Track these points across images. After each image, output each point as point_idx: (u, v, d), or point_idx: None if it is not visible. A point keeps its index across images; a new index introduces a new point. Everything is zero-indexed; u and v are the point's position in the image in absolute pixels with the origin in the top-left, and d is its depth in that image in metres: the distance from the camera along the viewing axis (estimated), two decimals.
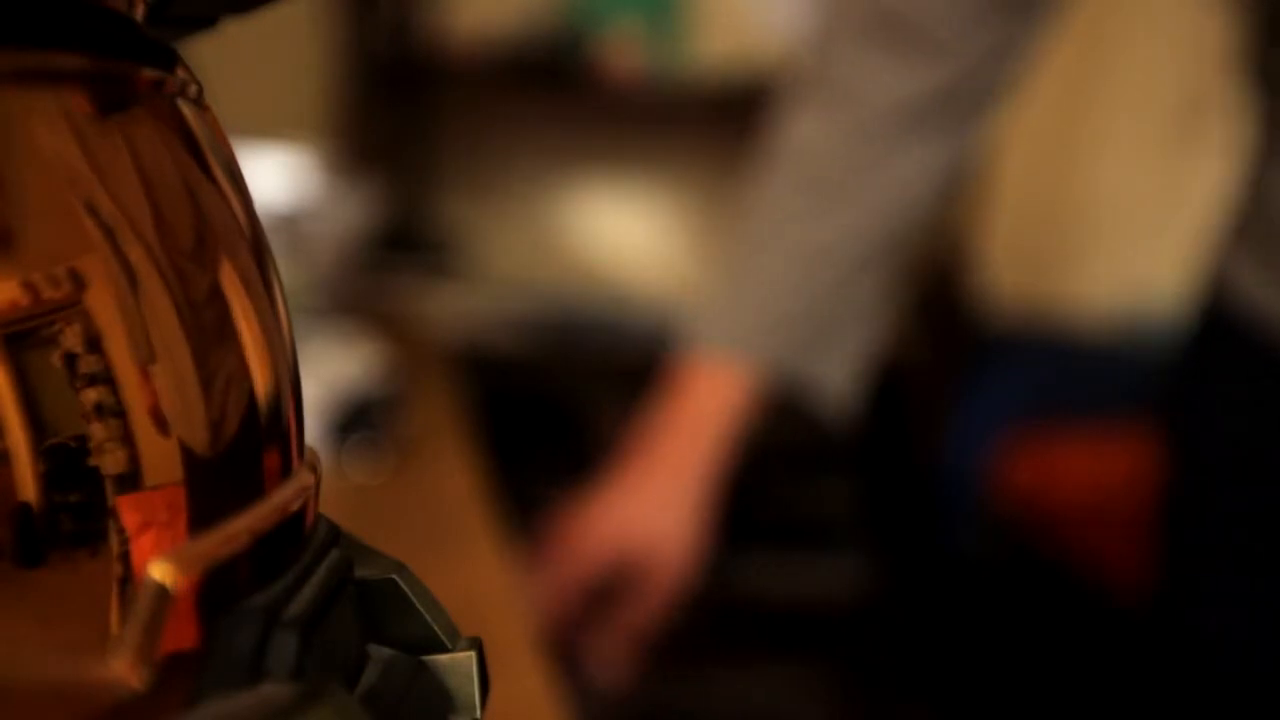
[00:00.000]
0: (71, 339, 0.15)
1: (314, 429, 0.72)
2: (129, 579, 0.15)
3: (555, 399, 2.14)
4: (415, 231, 2.03)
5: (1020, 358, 2.07)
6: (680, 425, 0.70)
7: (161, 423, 0.16)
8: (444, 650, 0.21)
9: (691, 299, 0.69)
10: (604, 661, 0.71)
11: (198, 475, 0.16)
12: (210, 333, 0.17)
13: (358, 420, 0.74)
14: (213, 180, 0.19)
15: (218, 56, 0.44)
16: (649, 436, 0.71)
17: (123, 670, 0.15)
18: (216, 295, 0.17)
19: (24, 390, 0.14)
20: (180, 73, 0.19)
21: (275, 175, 1.14)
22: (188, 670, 0.16)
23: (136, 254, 0.16)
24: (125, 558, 0.15)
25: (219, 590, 0.16)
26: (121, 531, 0.15)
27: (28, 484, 0.14)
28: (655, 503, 0.69)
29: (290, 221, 1.06)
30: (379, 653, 0.20)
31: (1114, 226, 2.17)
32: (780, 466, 2.17)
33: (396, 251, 1.83)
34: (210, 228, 0.18)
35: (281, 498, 0.19)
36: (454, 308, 1.95)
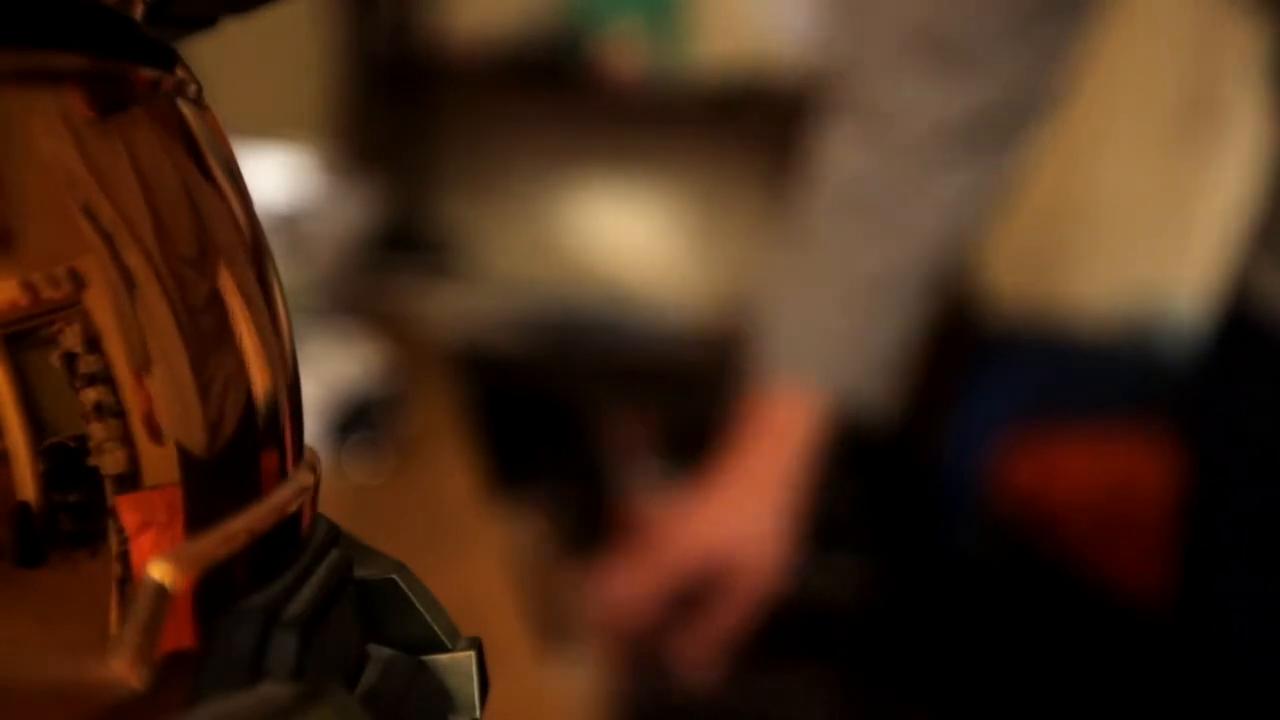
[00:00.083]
0: (71, 339, 0.15)
1: (314, 429, 0.72)
2: (128, 579, 0.15)
3: (555, 399, 2.14)
4: (415, 231, 2.03)
5: (1020, 358, 2.07)
6: (762, 446, 0.73)
7: (161, 423, 0.16)
8: (444, 650, 0.21)
9: (756, 328, 0.75)
10: (687, 662, 0.74)
11: (197, 475, 0.16)
12: (210, 333, 0.17)
13: (358, 420, 0.74)
14: (213, 180, 0.19)
15: (218, 56, 0.44)
16: (733, 455, 0.74)
17: (122, 670, 0.15)
18: (216, 296, 0.17)
19: (23, 390, 0.14)
20: (180, 73, 0.19)
21: (275, 175, 1.14)
22: (187, 670, 0.16)
23: (136, 254, 0.16)
24: (124, 557, 0.15)
25: (218, 590, 0.16)
26: (121, 531, 0.15)
27: (27, 484, 0.14)
28: (743, 514, 0.73)
29: (290, 221, 1.06)
30: (379, 653, 0.20)
31: (1114, 227, 2.18)
32: None
33: (396, 251, 1.83)
34: (210, 228, 0.18)
35: (281, 497, 0.19)
36: (454, 308, 1.95)
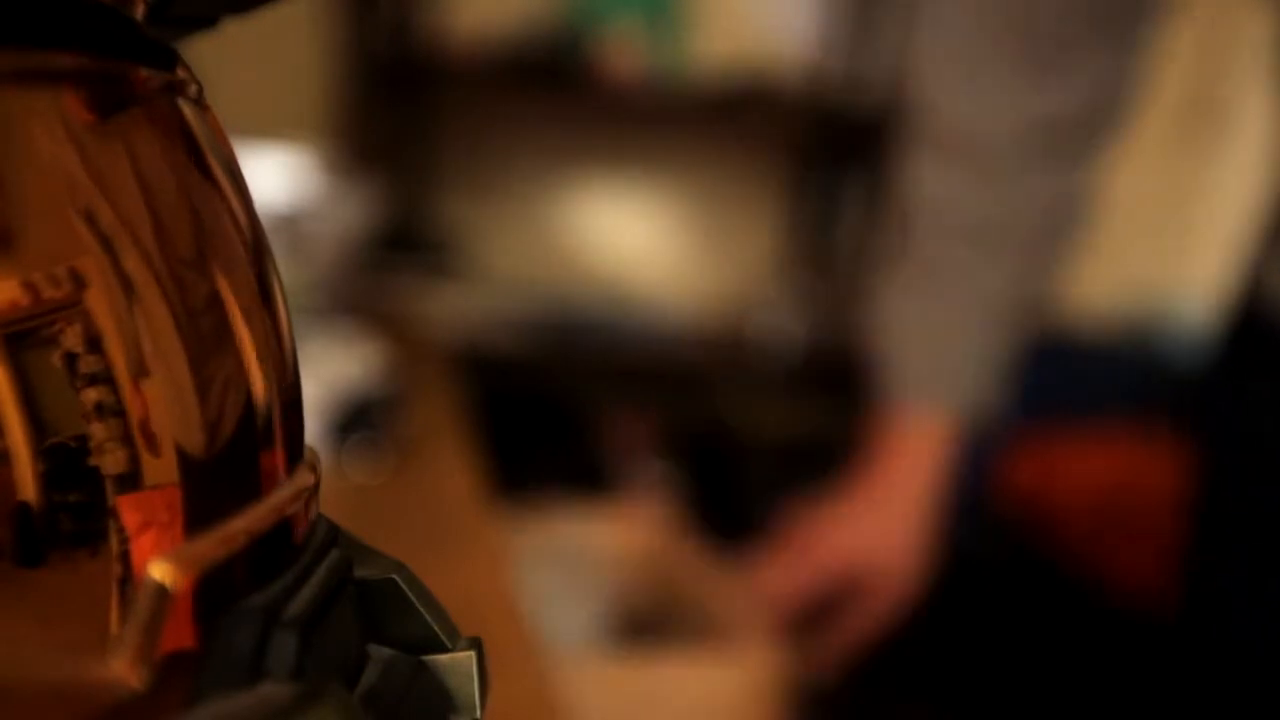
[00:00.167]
0: (71, 339, 0.15)
1: (314, 429, 0.72)
2: (128, 579, 0.15)
3: (555, 399, 2.14)
4: (415, 231, 2.03)
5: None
6: (898, 467, 0.78)
7: (162, 423, 0.16)
8: (444, 650, 0.21)
9: (880, 357, 0.80)
10: (818, 658, 0.80)
11: (197, 475, 0.16)
12: (210, 333, 0.17)
13: (358, 420, 0.74)
14: (213, 180, 0.19)
15: (218, 56, 0.44)
16: (871, 474, 0.78)
17: (122, 670, 0.15)
18: (216, 296, 0.17)
19: (24, 390, 0.14)
20: (180, 72, 0.19)
21: (275, 175, 1.14)
22: (187, 670, 0.16)
23: (137, 255, 0.16)
24: (125, 557, 0.15)
25: (219, 590, 0.16)
26: (121, 531, 0.15)
27: (27, 484, 0.14)
28: (884, 528, 0.77)
29: (290, 221, 1.06)
30: (379, 653, 0.20)
31: (1115, 226, 2.17)
32: (781, 464, 2.17)
33: (396, 251, 1.83)
34: (210, 229, 0.18)
35: (281, 498, 0.19)
36: (454, 308, 1.95)
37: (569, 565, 0.98)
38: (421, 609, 0.21)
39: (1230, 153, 2.11)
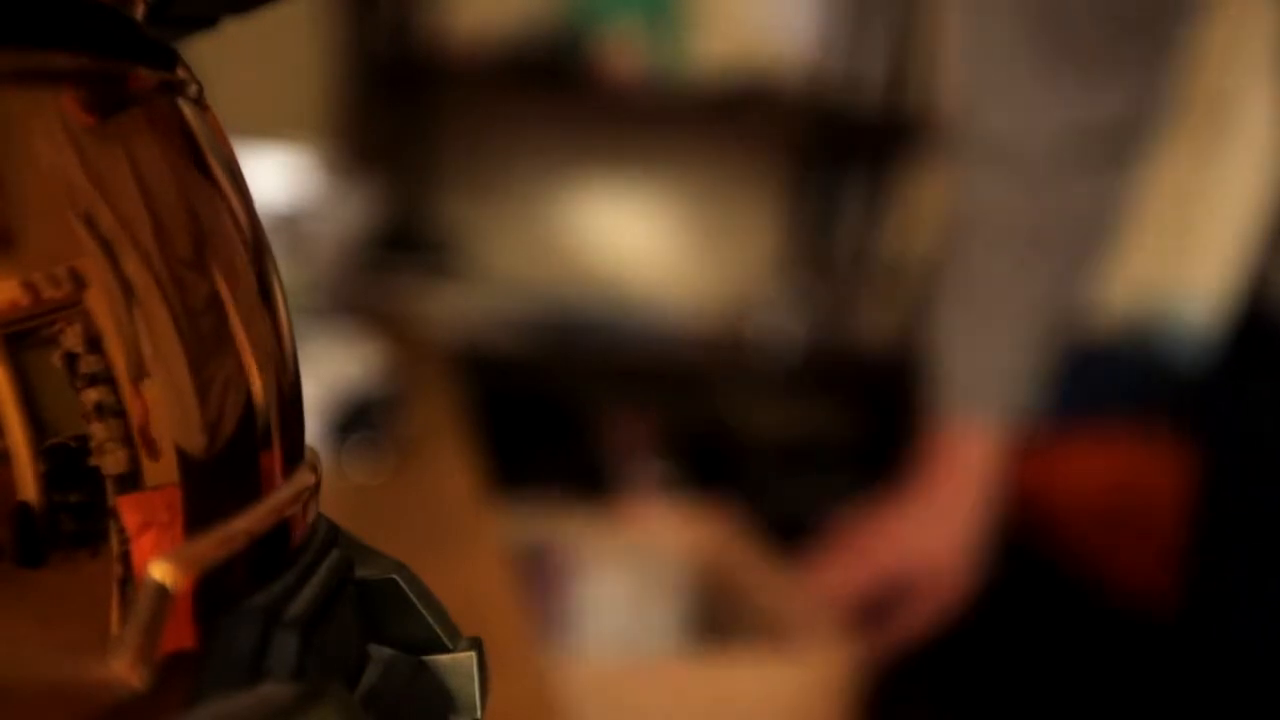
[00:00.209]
0: (72, 339, 0.15)
1: (314, 429, 0.72)
2: (129, 579, 0.15)
3: (555, 399, 2.14)
4: (415, 231, 2.03)
5: None
6: (952, 476, 0.80)
7: (162, 423, 0.16)
8: (445, 650, 0.21)
9: (932, 368, 0.83)
10: (873, 647, 0.84)
11: (198, 476, 0.16)
12: (210, 333, 0.17)
13: (358, 420, 0.74)
14: (213, 180, 0.19)
15: (218, 56, 0.44)
16: (926, 482, 0.81)
17: (123, 670, 0.15)
18: (216, 296, 0.17)
19: (24, 390, 0.14)
20: (180, 72, 0.19)
21: (275, 175, 1.14)
22: (188, 670, 0.16)
23: (137, 255, 0.16)
24: (125, 558, 0.15)
25: (219, 590, 0.16)
26: (122, 532, 0.15)
27: (28, 484, 0.14)
28: (939, 534, 0.80)
29: (290, 221, 1.06)
30: (379, 653, 0.20)
31: None
32: (781, 464, 2.17)
33: (396, 251, 1.83)
34: (210, 229, 0.18)
35: (281, 498, 0.19)
36: (454, 308, 1.95)
37: (645, 567, 0.99)
38: (422, 609, 0.21)
39: (1232, 153, 2.11)
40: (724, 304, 2.27)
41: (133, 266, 0.16)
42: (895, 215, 2.31)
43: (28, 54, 0.15)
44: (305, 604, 0.18)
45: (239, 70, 1.24)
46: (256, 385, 0.18)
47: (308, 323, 0.90)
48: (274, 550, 0.18)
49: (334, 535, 0.21)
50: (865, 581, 0.81)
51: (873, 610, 0.82)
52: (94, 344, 0.15)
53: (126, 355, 0.15)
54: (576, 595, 0.96)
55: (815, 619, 0.87)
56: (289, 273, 0.22)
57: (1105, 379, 2.01)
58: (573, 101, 2.08)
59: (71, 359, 0.15)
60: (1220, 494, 0.73)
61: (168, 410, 0.16)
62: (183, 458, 0.16)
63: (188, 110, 0.19)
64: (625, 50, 2.03)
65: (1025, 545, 1.75)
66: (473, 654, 0.21)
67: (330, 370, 0.75)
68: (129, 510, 0.15)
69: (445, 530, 0.66)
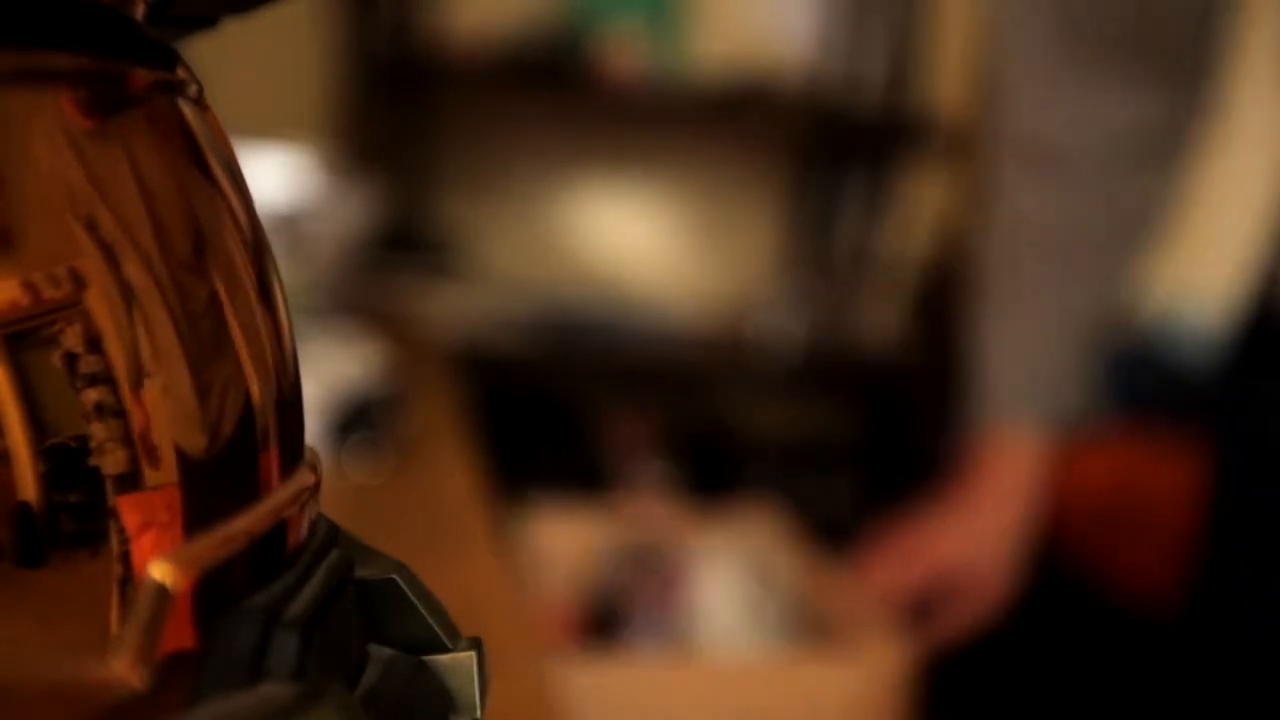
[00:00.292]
0: (72, 339, 0.15)
1: (314, 429, 0.72)
2: (129, 579, 0.15)
3: (555, 399, 2.14)
4: (415, 231, 2.03)
5: None
6: (995, 482, 0.81)
7: (162, 424, 0.16)
8: (444, 650, 0.21)
9: (974, 375, 0.83)
10: (918, 644, 0.86)
11: (197, 476, 0.16)
12: (210, 333, 0.17)
13: (358, 420, 0.74)
14: (213, 181, 0.19)
15: (218, 56, 0.44)
16: (970, 488, 0.82)
17: (123, 670, 0.15)
18: (216, 296, 0.17)
19: (24, 390, 0.14)
20: (180, 72, 0.19)
21: (275, 175, 1.14)
22: (188, 670, 0.16)
23: (137, 256, 0.16)
24: (125, 558, 0.15)
25: (219, 590, 0.16)
26: (122, 532, 0.15)
27: (28, 484, 0.14)
28: (981, 535, 0.81)
29: (290, 221, 1.06)
30: (379, 653, 0.20)
31: None
32: (781, 464, 2.17)
33: (396, 251, 1.83)
34: (210, 229, 0.18)
35: (281, 498, 0.19)
36: (454, 308, 1.95)
37: (753, 566, 1.00)
38: (422, 609, 0.21)
39: (1235, 153, 2.11)
40: (724, 304, 2.27)
41: (133, 267, 0.16)
42: (895, 215, 2.31)
43: (28, 54, 0.15)
44: (305, 604, 0.18)
45: (239, 70, 1.24)
46: (256, 385, 0.18)
47: (308, 323, 0.90)
48: (274, 550, 0.18)
49: (334, 535, 0.21)
50: (909, 584, 0.82)
51: (915, 612, 0.84)
52: (94, 344, 0.15)
53: (126, 355, 0.15)
54: (689, 595, 0.97)
55: (870, 619, 0.88)
56: (289, 273, 0.22)
57: (1110, 380, 2.00)
58: (573, 101, 2.08)
59: (71, 359, 0.15)
60: (1230, 495, 0.73)
61: (168, 410, 0.16)
62: (182, 458, 0.16)
63: (188, 110, 0.19)
64: (625, 50, 2.03)
65: (1028, 546, 1.75)
66: (473, 654, 0.21)
67: (330, 370, 0.75)
68: (129, 510, 0.15)
69: (445, 530, 0.66)
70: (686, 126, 2.23)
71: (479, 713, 0.21)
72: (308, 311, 0.95)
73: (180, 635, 0.16)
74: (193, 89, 0.19)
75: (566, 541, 1.05)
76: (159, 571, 0.16)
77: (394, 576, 0.21)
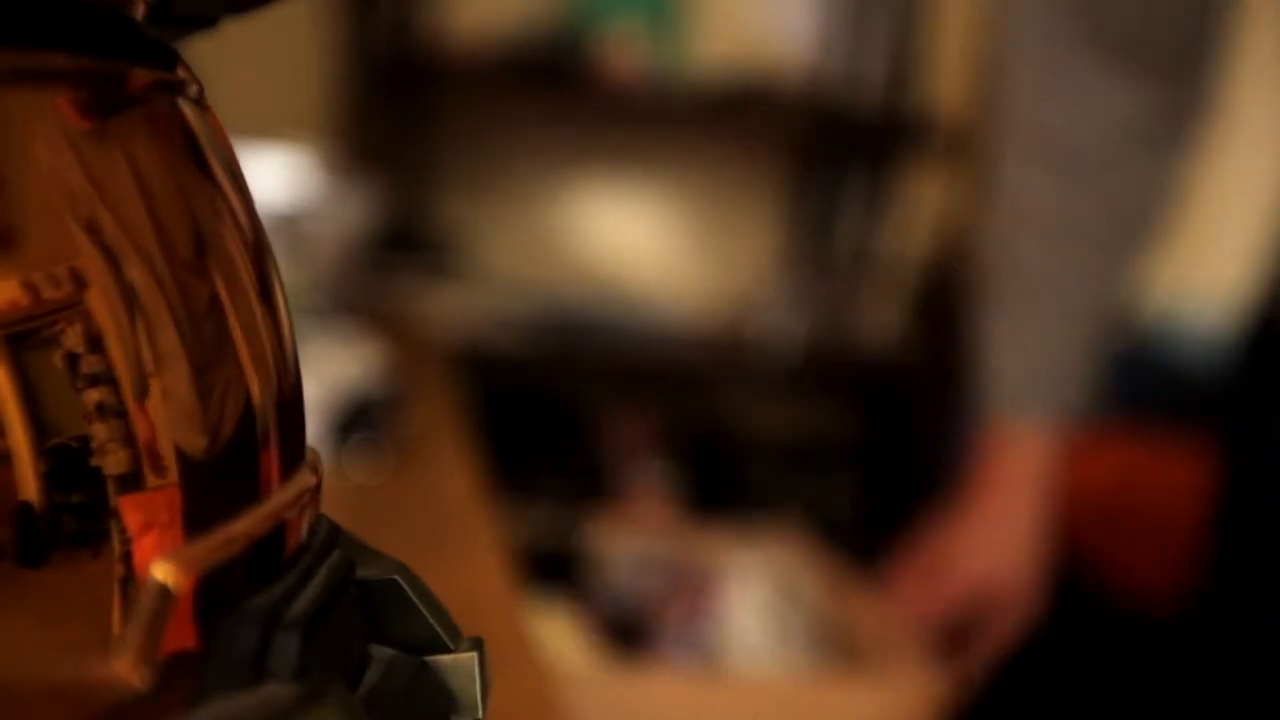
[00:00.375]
0: (72, 339, 0.15)
1: (314, 429, 0.72)
2: (131, 579, 0.15)
3: (555, 399, 2.14)
4: (415, 231, 2.03)
5: None
6: (1009, 482, 0.79)
7: (163, 424, 0.16)
8: (446, 650, 0.21)
9: (980, 369, 0.82)
10: (958, 673, 0.84)
11: (199, 476, 0.16)
12: (211, 334, 0.17)
13: (358, 420, 0.74)
14: (213, 180, 0.18)
15: (218, 56, 0.44)
16: (983, 491, 0.80)
17: (125, 670, 0.15)
18: (216, 296, 0.17)
19: (25, 390, 0.14)
20: (181, 72, 0.19)
21: (275, 175, 1.14)
22: (190, 670, 0.16)
23: (137, 255, 0.16)
24: (127, 558, 0.15)
25: (221, 591, 0.16)
26: (123, 532, 0.15)
27: (30, 484, 0.14)
28: (1002, 548, 0.79)
29: (290, 221, 1.06)
30: (381, 653, 0.20)
31: None
32: (781, 464, 2.17)
33: (396, 251, 1.83)
34: (210, 228, 0.18)
35: (282, 499, 0.19)
36: (454, 308, 1.95)
37: (767, 587, 0.99)
38: (423, 609, 0.21)
39: (1235, 153, 2.11)
40: (724, 304, 2.27)
41: (133, 267, 0.16)
42: (895, 215, 2.31)
43: (28, 54, 0.15)
44: (306, 604, 0.18)
45: (239, 70, 1.24)
46: (257, 386, 0.18)
47: (308, 323, 0.90)
48: (275, 551, 0.18)
49: (335, 536, 0.21)
50: (939, 613, 0.81)
51: (950, 637, 0.82)
52: (95, 344, 0.15)
53: (127, 356, 0.15)
54: (717, 609, 0.97)
55: (897, 642, 0.87)
56: (289, 273, 0.22)
57: (1111, 380, 2.00)
58: (573, 101, 2.08)
59: (73, 359, 0.15)
60: (1237, 498, 0.73)
61: (169, 411, 0.16)
62: (184, 458, 0.16)
63: (188, 110, 0.19)
64: (625, 50, 2.03)
65: None
66: (474, 654, 0.21)
67: (330, 370, 0.75)
68: (130, 510, 0.15)
69: (445, 530, 0.66)
70: (686, 126, 2.23)
71: (481, 713, 0.21)
72: (308, 311, 0.95)
73: (182, 635, 0.16)
74: (193, 89, 0.19)
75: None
76: (161, 572, 0.16)
77: (395, 577, 0.21)
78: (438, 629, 0.21)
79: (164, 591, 0.15)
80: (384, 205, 1.54)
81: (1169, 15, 0.69)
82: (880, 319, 2.27)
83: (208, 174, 0.18)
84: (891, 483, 2.17)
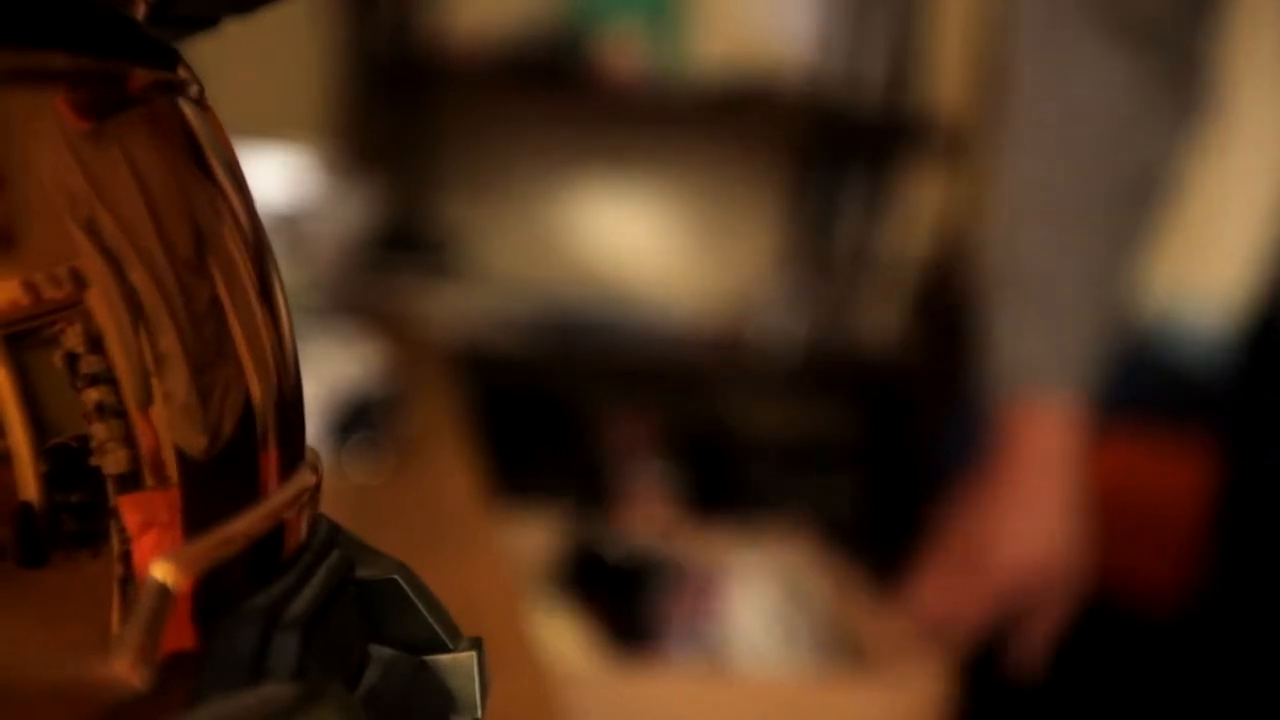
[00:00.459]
0: (72, 339, 0.15)
1: (314, 429, 0.72)
2: (130, 579, 0.15)
3: (555, 399, 2.14)
4: (415, 231, 2.03)
5: None
6: (1039, 460, 0.76)
7: (163, 424, 0.16)
8: (445, 650, 0.21)
9: (995, 345, 0.79)
10: (1019, 662, 0.82)
11: (199, 476, 0.16)
12: (210, 334, 0.17)
13: (358, 420, 0.74)
14: (214, 180, 0.19)
15: (218, 56, 0.44)
16: (1014, 471, 0.77)
17: (124, 670, 0.15)
18: (216, 296, 0.17)
19: (25, 390, 0.14)
20: (181, 72, 0.19)
21: (275, 175, 1.14)
22: (189, 670, 0.16)
23: (137, 255, 0.16)
24: (126, 558, 0.15)
25: (220, 591, 0.16)
26: (123, 532, 0.15)
27: (29, 484, 0.14)
28: (1045, 530, 0.76)
29: (290, 221, 1.06)
30: (380, 653, 0.20)
31: None
32: (781, 464, 2.17)
33: (396, 251, 1.83)
34: (211, 228, 0.18)
35: (282, 499, 0.19)
36: (454, 308, 1.95)
37: (773, 588, 0.99)
38: (423, 609, 0.21)
39: (1235, 153, 2.11)
40: (724, 304, 2.27)
41: (134, 267, 0.16)
42: (895, 215, 2.31)
43: (28, 54, 0.15)
44: (306, 604, 0.18)
45: (239, 70, 1.24)
46: (257, 386, 0.18)
47: (308, 323, 0.90)
48: (275, 550, 0.18)
49: (334, 535, 0.21)
50: (988, 604, 0.78)
51: (1003, 626, 0.79)
52: (95, 344, 0.15)
53: (127, 356, 0.15)
54: (721, 610, 0.96)
55: (903, 643, 0.85)
56: (289, 273, 0.22)
57: (1112, 381, 2.00)
58: (573, 101, 2.08)
59: (72, 359, 0.15)
60: (1238, 498, 0.73)
61: (169, 411, 0.16)
62: (183, 458, 0.16)
63: (188, 110, 0.19)
64: (625, 50, 2.03)
65: None
66: (473, 654, 0.21)
67: (330, 370, 0.75)
68: (130, 510, 0.15)
69: (445, 530, 0.66)
70: (686, 126, 2.23)
71: (480, 713, 0.21)
72: (308, 311, 0.95)
73: (181, 635, 0.16)
74: (193, 89, 0.19)
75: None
76: (160, 571, 0.16)
77: (395, 576, 0.21)
78: (437, 629, 0.21)
79: (163, 591, 0.15)
80: (384, 205, 1.54)
81: (1166, 8, 0.70)
82: (880, 319, 2.27)
83: (208, 174, 0.18)
84: (891, 483, 2.16)
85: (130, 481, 0.15)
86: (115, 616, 0.15)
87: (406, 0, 2.04)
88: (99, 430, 0.15)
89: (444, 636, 0.21)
